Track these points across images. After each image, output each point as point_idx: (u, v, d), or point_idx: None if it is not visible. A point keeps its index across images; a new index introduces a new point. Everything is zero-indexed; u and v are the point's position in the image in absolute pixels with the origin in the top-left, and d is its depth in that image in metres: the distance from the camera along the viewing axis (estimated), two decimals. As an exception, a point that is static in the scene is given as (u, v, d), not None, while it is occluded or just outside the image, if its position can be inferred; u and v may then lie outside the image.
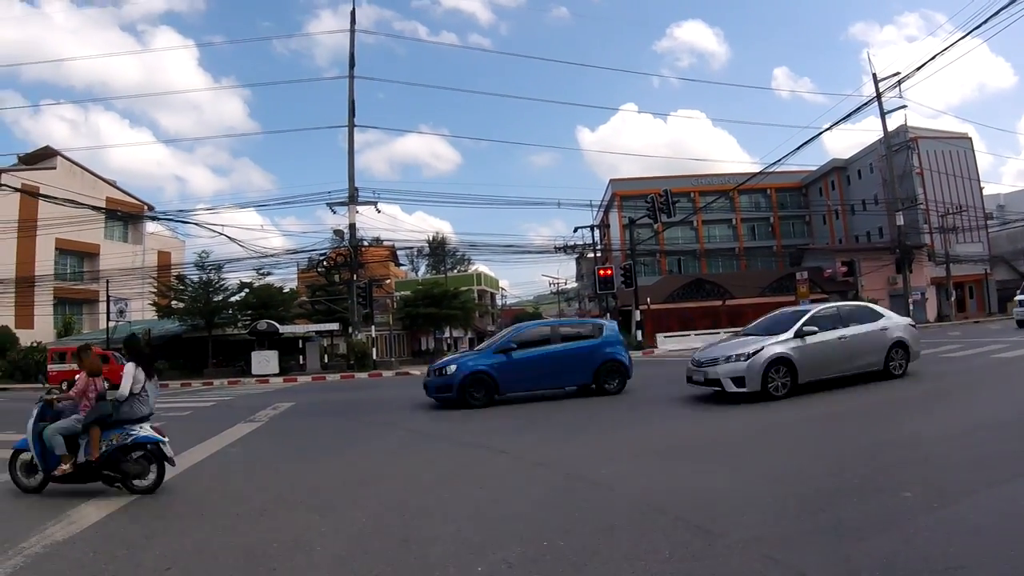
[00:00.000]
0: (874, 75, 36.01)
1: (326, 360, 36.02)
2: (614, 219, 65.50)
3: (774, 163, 33.27)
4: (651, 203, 35.62)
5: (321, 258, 39.07)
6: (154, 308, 40.10)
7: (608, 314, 42.61)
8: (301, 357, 34.83)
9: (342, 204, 33.40)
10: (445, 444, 9.68)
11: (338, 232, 41.59)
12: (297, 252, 38.65)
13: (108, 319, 36.68)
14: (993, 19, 16.61)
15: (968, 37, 23.45)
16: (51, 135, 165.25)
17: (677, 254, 66.79)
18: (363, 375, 29.44)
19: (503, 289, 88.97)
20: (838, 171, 66.83)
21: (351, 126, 34.20)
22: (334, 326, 37.09)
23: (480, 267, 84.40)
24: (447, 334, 55.45)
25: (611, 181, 72.63)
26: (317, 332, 36.48)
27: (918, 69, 23.41)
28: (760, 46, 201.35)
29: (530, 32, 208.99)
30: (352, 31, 35.24)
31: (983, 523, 4.42)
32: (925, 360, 13.48)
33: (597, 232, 45.89)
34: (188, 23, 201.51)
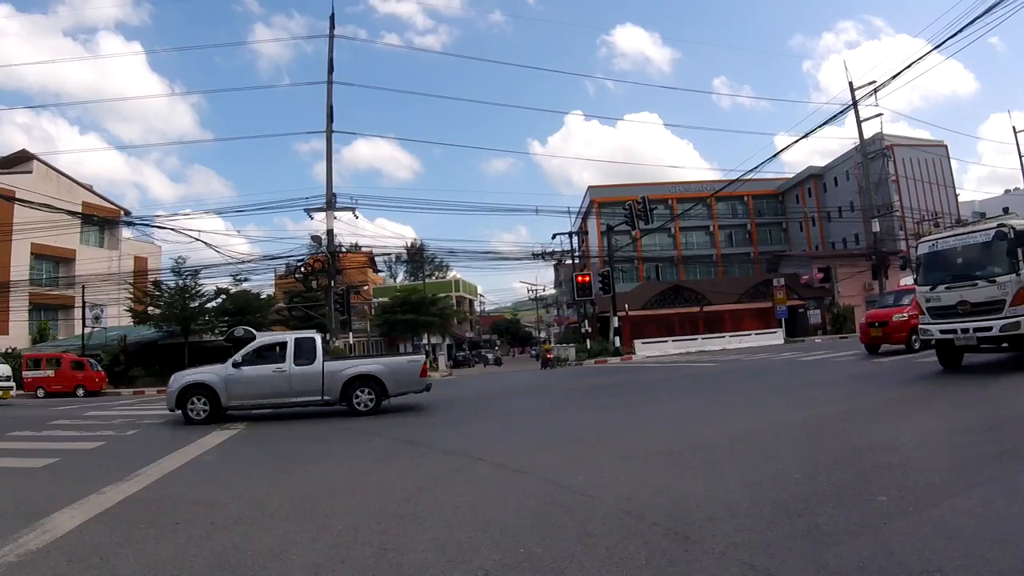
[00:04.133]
0: (850, 83, 36.44)
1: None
2: (592, 226, 65.72)
3: (751, 170, 33.73)
4: (629, 210, 35.85)
5: (299, 264, 38.90)
6: (130, 314, 39.71)
7: (586, 320, 42.75)
8: (280, 364, 34.41)
9: (320, 210, 33.27)
10: (423, 451, 9.63)
11: (316, 238, 41.59)
12: (275, 258, 38.49)
13: (84, 325, 36.29)
14: (958, 34, 17.35)
15: (935, 49, 23.81)
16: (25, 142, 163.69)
17: (655, 261, 67.21)
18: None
19: (481, 296, 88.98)
20: (815, 178, 67.67)
21: (329, 132, 34.07)
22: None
23: (457, 273, 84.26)
24: (425, 340, 55.34)
25: (589, 188, 72.99)
26: (295, 339, 36.12)
27: (893, 78, 23.83)
28: (701, 54, 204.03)
29: (473, 41, 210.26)
30: (331, 36, 35.16)
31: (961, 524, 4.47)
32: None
33: (575, 239, 46.06)
34: (136, 29, 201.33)
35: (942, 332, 13.02)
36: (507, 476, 7.31)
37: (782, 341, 41.37)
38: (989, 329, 12.04)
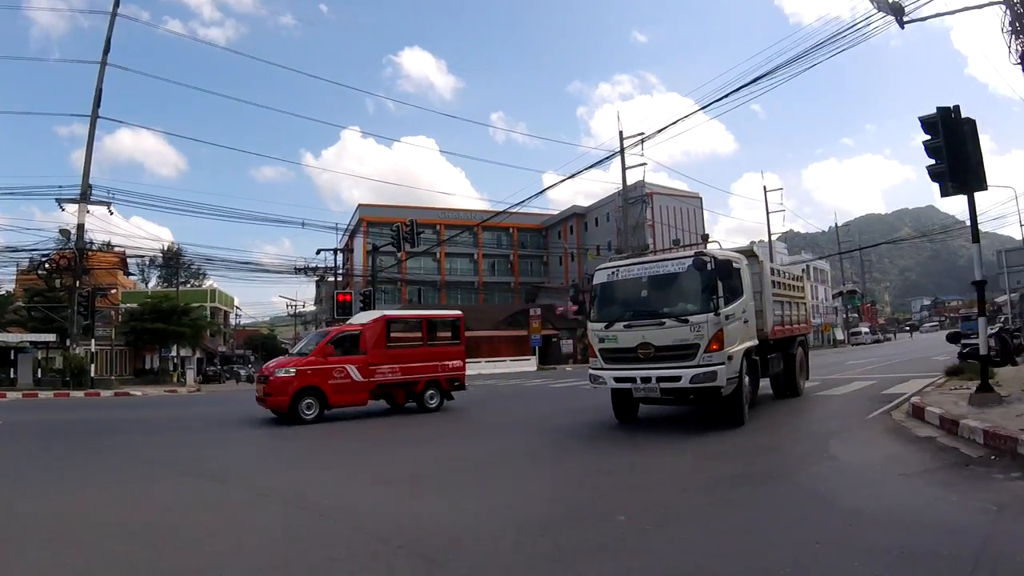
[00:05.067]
0: (620, 132, 39.02)
1: (39, 375, 32.08)
2: (359, 244, 65.05)
3: (518, 203, 35.11)
4: (397, 231, 35.91)
5: (43, 259, 34.91)
6: None
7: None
8: (12, 370, 30.87)
9: (73, 201, 30.08)
10: (163, 472, 9.00)
11: (64, 232, 37.22)
12: (18, 250, 33.90)
13: None
14: (724, 98, 19.15)
15: (701, 110, 26.46)
16: None
17: (418, 284, 67.60)
18: (79, 394, 26.62)
19: (238, 308, 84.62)
20: (578, 217, 71.71)
21: (94, 116, 30.87)
22: (51, 337, 33.11)
23: (214, 283, 79.59)
24: (175, 352, 51.57)
25: (360, 206, 72.17)
26: (32, 342, 32.34)
27: (659, 131, 26.00)
28: (484, 87, 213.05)
29: (259, 41, 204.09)
30: (114, 13, 31.96)
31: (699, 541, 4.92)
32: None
33: (340, 256, 45.34)
34: None
35: (617, 380, 10.74)
36: (251, 499, 7.00)
37: (535, 368, 43.26)
38: (677, 379, 10.00)
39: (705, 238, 12.34)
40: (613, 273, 11.36)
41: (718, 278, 10.17)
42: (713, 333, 9.89)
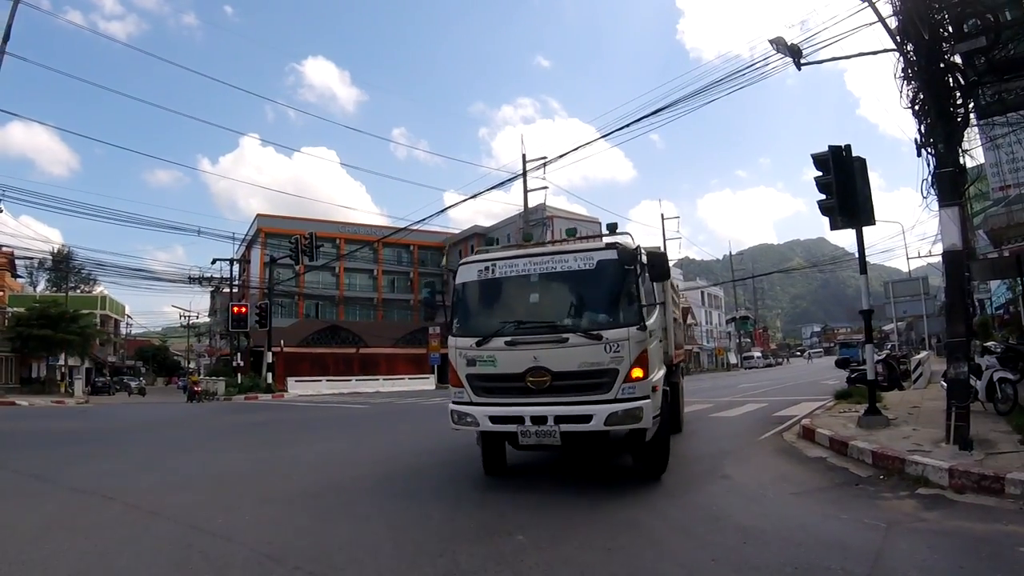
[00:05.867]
0: (523, 155, 39.32)
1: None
2: (256, 255, 63.30)
3: (420, 220, 35.00)
4: (295, 244, 35.19)
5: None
6: None
7: (240, 353, 40.86)
8: None
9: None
10: (49, 488, 8.54)
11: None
12: None
13: None
14: (625, 128, 19.56)
15: (602, 138, 26.93)
16: None
17: (316, 298, 66.25)
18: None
19: (129, 317, 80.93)
20: (479, 236, 71.71)
21: None
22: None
23: (105, 289, 75.83)
24: (62, 361, 48.67)
25: (258, 216, 70.17)
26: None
27: (561, 156, 26.35)
28: (387, 102, 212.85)
29: (161, 40, 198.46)
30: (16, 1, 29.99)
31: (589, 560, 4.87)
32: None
33: (237, 267, 44.09)
34: None
35: (495, 421, 7.35)
36: (141, 518, 6.65)
37: (434, 386, 43.03)
38: (586, 419, 6.92)
39: (612, 227, 8.24)
40: (487, 269, 8.04)
41: (640, 279, 7.58)
42: (637, 354, 7.05)
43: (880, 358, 18.28)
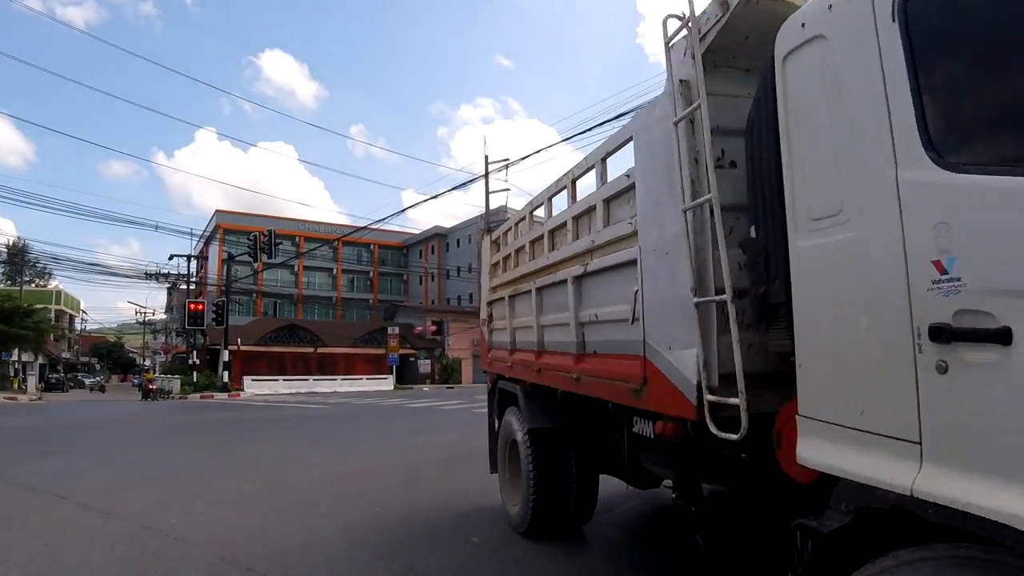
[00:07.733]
0: (486, 157, 39.33)
1: None
2: (214, 252, 62.45)
3: (380, 220, 34.89)
4: (254, 241, 34.86)
5: None
6: None
7: (196, 351, 40.38)
8: None
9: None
10: (3, 485, 8.53)
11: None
12: None
13: None
14: (587, 132, 19.77)
15: (563, 142, 27.25)
16: None
17: (274, 296, 65.60)
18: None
19: (84, 312, 79.24)
20: (440, 237, 71.73)
21: None
22: None
23: (60, 284, 74.18)
24: (15, 357, 47.45)
25: (217, 212, 69.14)
26: None
27: (523, 159, 26.61)
28: (346, 98, 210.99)
29: (118, 28, 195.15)
30: None
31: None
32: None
33: (194, 263, 43.55)
34: None
35: None
36: (94, 518, 6.70)
37: (392, 387, 42.84)
38: None
39: None
40: None
41: None
42: None
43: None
